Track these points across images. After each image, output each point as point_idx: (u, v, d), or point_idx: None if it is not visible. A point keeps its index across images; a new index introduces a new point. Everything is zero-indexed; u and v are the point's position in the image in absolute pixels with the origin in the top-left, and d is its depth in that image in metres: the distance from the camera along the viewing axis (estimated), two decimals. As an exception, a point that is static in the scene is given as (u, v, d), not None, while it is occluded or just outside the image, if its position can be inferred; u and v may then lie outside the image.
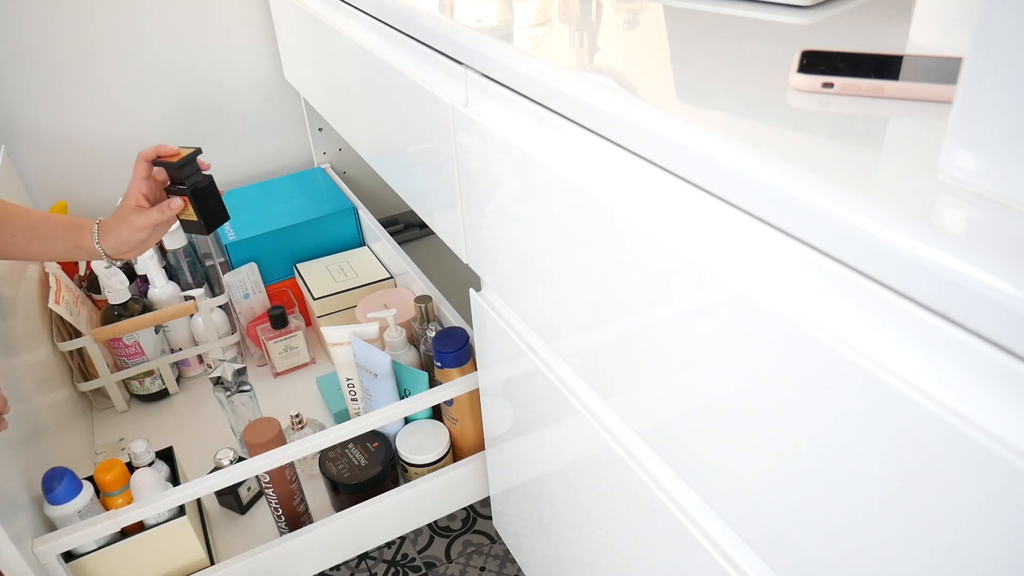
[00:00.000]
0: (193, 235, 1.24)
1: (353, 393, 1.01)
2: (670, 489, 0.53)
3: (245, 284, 1.21)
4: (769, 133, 0.36)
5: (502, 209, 0.62)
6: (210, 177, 0.82)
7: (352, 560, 1.13)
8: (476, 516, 1.19)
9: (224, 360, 0.99)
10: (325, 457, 0.96)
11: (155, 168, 0.80)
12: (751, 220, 0.36)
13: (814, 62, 0.41)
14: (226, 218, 0.85)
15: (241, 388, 0.97)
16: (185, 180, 0.79)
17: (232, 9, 1.30)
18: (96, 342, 1.05)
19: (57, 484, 0.77)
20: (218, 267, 1.27)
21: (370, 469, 0.94)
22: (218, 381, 0.97)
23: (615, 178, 0.46)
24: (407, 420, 0.99)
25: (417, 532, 1.17)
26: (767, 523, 0.41)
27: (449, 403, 0.93)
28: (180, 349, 1.17)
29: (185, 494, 0.80)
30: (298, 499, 0.91)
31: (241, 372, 0.98)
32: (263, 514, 0.98)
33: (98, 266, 1.12)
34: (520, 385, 0.74)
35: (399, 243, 1.21)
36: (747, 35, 0.50)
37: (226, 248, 1.23)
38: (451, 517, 1.19)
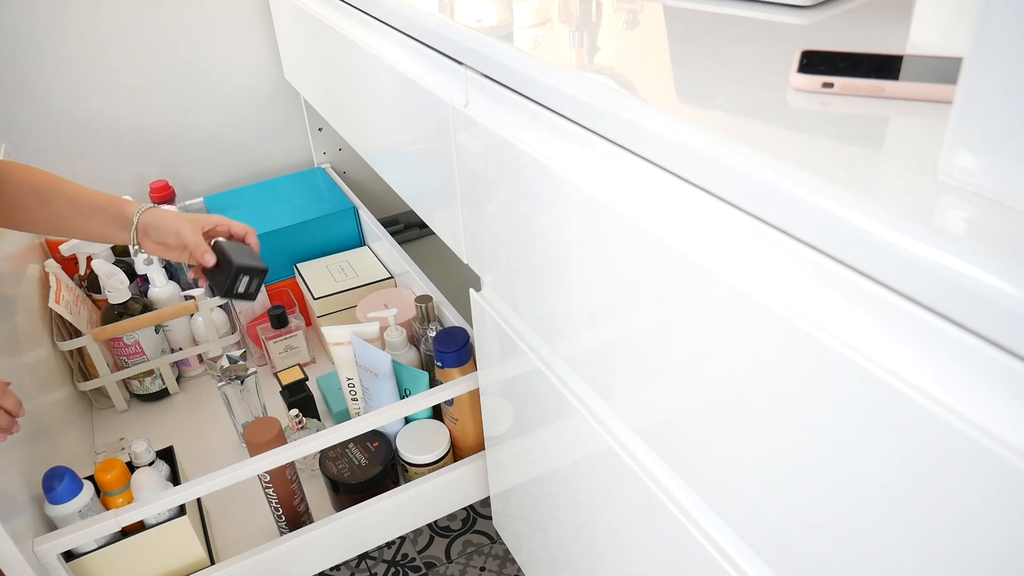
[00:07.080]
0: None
1: (353, 393, 1.01)
2: (670, 489, 0.53)
3: (245, 284, 1.22)
4: (769, 133, 0.36)
5: (502, 209, 0.62)
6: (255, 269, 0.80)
7: (352, 560, 1.13)
8: (476, 516, 1.19)
9: (227, 354, 0.99)
10: (325, 457, 0.96)
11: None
12: (751, 220, 0.36)
13: (814, 62, 0.41)
14: (251, 299, 0.81)
15: (249, 372, 0.98)
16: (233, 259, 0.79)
17: (232, 9, 1.30)
18: (96, 342, 1.05)
19: (57, 483, 0.77)
20: (218, 267, 1.27)
21: (370, 469, 0.94)
22: (225, 373, 0.97)
23: (615, 178, 0.46)
24: (407, 420, 0.99)
25: (417, 532, 1.17)
26: (767, 523, 0.41)
27: (449, 403, 0.93)
28: (180, 349, 1.17)
29: (185, 494, 0.80)
30: (298, 499, 0.91)
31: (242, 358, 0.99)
32: (263, 514, 0.98)
33: (99, 266, 1.12)
34: (520, 385, 0.74)
35: (399, 243, 1.21)
36: (747, 35, 0.50)
37: (226, 248, 1.23)
38: (451, 517, 1.19)
